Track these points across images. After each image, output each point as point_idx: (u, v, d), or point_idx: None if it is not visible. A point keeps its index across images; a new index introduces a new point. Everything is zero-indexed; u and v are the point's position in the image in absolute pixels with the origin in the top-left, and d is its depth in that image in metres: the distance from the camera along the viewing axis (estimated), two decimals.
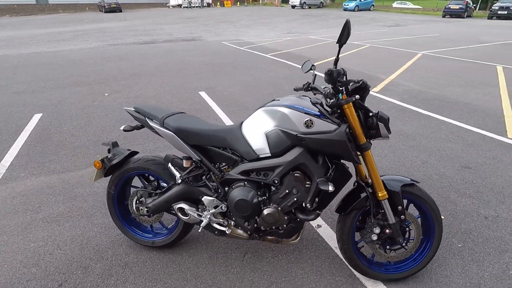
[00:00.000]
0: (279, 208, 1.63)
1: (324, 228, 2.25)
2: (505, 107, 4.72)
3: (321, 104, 1.58)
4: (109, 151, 1.96)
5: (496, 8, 23.33)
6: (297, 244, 2.08)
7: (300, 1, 32.36)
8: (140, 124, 1.86)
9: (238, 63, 7.81)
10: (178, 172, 1.77)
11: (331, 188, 1.48)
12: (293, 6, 33.24)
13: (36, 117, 4.35)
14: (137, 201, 1.95)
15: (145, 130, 3.87)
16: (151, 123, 1.75)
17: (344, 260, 1.83)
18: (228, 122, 4.22)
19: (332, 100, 1.55)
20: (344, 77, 1.49)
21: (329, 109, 1.56)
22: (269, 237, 1.77)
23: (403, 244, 1.71)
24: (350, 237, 1.70)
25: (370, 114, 1.56)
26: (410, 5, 32.52)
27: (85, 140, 3.69)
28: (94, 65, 7.69)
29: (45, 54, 9.30)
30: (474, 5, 27.69)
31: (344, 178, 1.54)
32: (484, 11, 27.84)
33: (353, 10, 29.76)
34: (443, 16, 25.12)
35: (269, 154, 1.60)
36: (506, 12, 22.62)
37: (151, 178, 2.03)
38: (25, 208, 2.49)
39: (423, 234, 1.79)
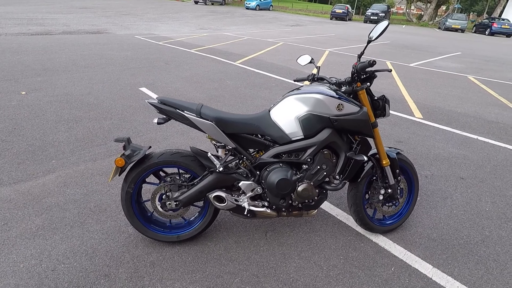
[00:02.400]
0: (311, 183, 1.87)
1: None
2: (405, 94, 5.96)
3: (339, 91, 1.88)
4: (124, 147, 1.85)
5: (369, 14, 28.47)
6: (309, 217, 2.35)
7: None
8: (167, 116, 1.82)
9: (166, 58, 7.51)
10: (219, 160, 1.82)
11: (365, 157, 1.80)
12: (196, 2, 32.88)
13: None
14: (163, 196, 1.90)
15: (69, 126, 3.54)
16: (186, 115, 1.74)
17: (355, 221, 2.19)
18: None
19: (345, 88, 1.87)
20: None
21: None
22: (294, 212, 2.00)
23: (399, 199, 2.17)
24: (361, 200, 2.07)
25: (375, 98, 1.94)
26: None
27: (25, 145, 3.14)
28: None
29: None
30: (352, 10, 32.85)
31: (368, 149, 1.88)
32: (359, 16, 33.22)
33: (255, 9, 31.30)
34: (331, 19, 28.94)
35: (302, 136, 1.82)
36: (376, 18, 27.83)
37: (161, 173, 2.00)
38: None
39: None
